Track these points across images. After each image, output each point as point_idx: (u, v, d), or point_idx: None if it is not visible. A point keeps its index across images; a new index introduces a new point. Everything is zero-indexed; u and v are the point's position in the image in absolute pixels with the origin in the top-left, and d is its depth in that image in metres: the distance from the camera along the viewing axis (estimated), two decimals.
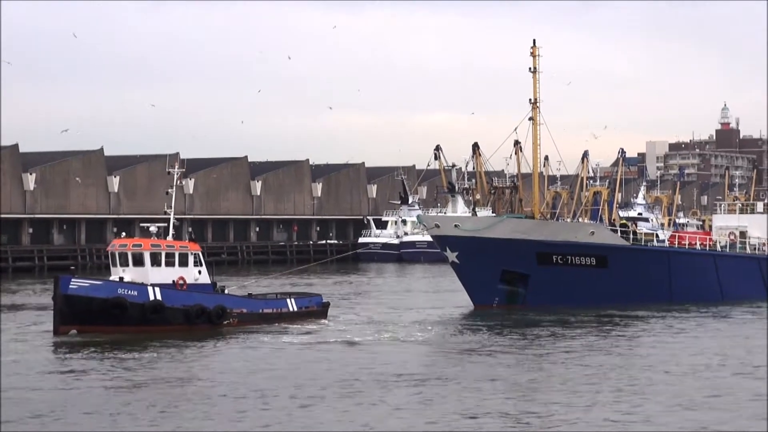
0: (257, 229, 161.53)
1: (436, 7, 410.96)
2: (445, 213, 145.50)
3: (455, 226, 73.27)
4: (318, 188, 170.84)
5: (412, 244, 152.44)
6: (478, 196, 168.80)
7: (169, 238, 59.21)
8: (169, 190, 60.67)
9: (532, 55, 74.85)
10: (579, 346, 52.95)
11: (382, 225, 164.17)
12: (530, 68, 74.84)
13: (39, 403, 37.40)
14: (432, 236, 75.93)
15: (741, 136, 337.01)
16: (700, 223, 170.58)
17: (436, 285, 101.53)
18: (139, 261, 57.25)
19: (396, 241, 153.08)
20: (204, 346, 52.07)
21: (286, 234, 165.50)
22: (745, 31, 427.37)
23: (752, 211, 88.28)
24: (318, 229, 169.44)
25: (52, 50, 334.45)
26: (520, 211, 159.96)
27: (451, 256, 72.73)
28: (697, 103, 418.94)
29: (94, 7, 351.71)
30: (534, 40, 74.87)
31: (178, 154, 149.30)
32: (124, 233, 69.22)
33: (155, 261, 57.40)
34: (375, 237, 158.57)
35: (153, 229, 59.23)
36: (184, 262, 58.21)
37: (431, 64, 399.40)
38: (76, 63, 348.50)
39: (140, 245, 57.86)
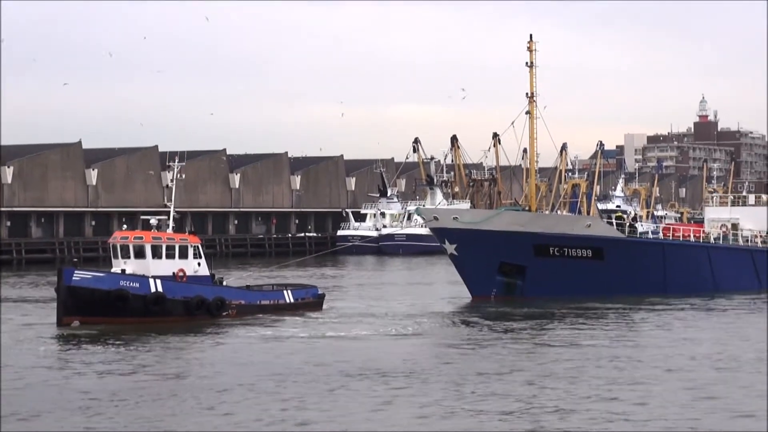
0: (236, 222, 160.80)
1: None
2: (423, 205, 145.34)
3: (454, 218, 73.40)
4: (297, 181, 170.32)
5: (391, 236, 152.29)
6: (456, 189, 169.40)
7: (170, 230, 59.14)
8: (170, 183, 60.85)
9: (529, 49, 75.10)
10: (575, 339, 53.02)
11: (361, 218, 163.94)
12: (527, 62, 75.03)
13: (40, 401, 36.83)
14: (430, 229, 75.86)
15: (719, 129, 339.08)
16: (679, 215, 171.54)
17: (421, 277, 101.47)
18: (140, 253, 57.51)
19: (375, 234, 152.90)
20: (204, 339, 51.99)
21: (264, 227, 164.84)
22: (724, 23, 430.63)
23: (744, 204, 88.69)
24: (297, 221, 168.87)
25: (29, 42, 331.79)
26: (499, 203, 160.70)
27: (450, 248, 72.77)
28: (675, 96, 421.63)
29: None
30: (531, 35, 75.15)
31: (156, 147, 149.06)
32: (125, 225, 69.08)
33: (156, 253, 57.81)
34: (354, 230, 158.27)
35: (153, 221, 59.17)
36: (184, 255, 58.69)
37: (409, 56, 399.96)
38: (53, 55, 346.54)
39: (141, 238, 58.03)
